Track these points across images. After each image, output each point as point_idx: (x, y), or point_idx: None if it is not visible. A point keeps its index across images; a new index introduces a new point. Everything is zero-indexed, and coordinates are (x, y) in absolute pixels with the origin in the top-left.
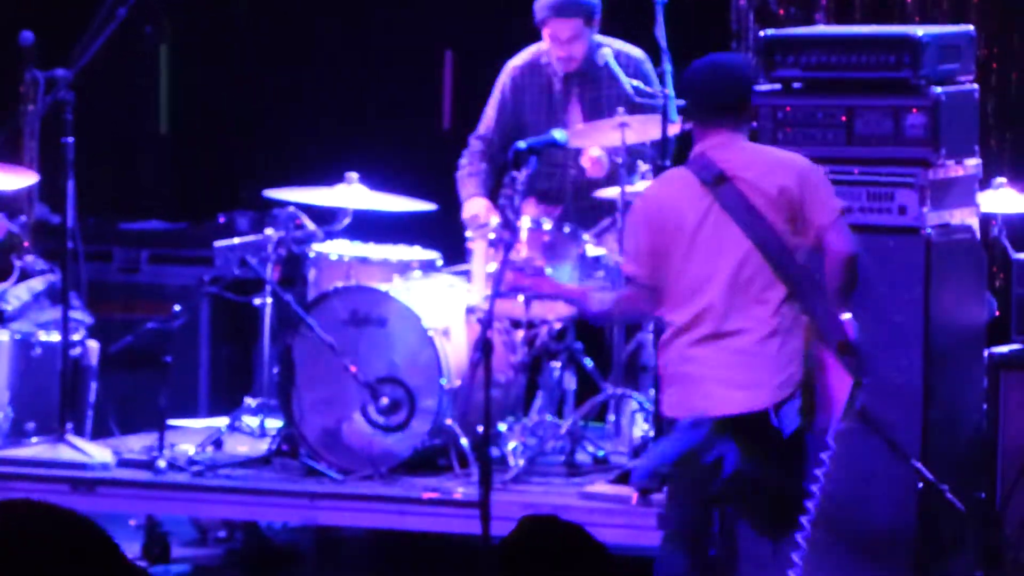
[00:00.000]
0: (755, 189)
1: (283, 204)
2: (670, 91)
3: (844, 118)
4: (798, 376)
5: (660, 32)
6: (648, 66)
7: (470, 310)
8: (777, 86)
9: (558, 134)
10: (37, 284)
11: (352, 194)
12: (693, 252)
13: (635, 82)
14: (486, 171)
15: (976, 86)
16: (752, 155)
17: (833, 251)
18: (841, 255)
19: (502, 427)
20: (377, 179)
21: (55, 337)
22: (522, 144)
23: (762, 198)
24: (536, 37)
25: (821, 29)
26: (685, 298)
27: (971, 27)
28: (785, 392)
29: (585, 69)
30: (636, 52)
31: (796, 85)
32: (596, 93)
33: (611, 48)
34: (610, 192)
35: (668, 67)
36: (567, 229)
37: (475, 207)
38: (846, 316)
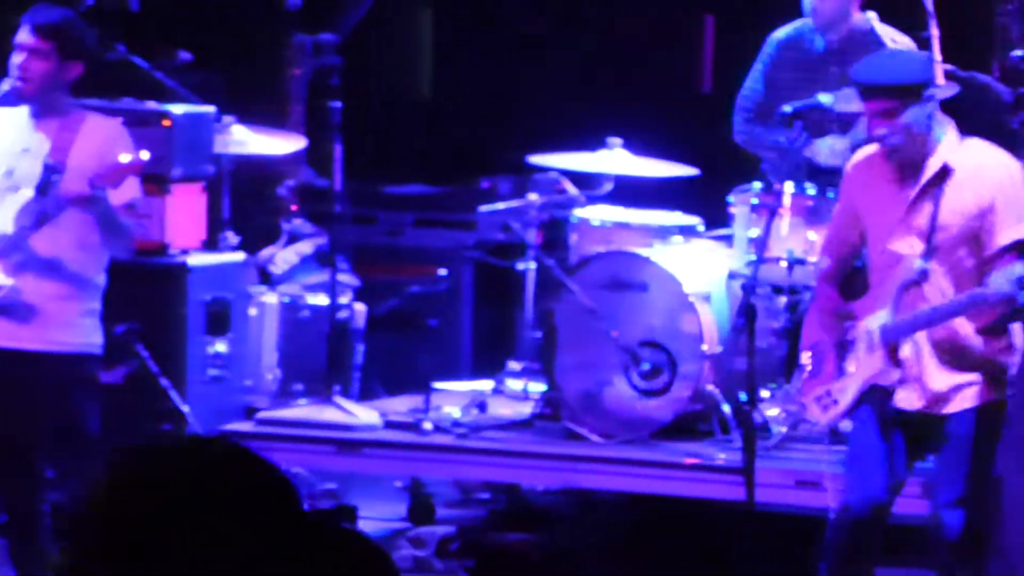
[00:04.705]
0: None
1: (545, 169)
2: (937, 56)
3: None
4: None
5: None
6: None
7: (732, 275)
8: None
9: (824, 98)
10: (305, 247)
11: (615, 159)
12: None
13: (899, 45)
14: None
15: None
16: None
17: None
18: None
19: (764, 394)
20: (638, 144)
21: (322, 300)
22: (788, 108)
23: None
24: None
25: None
26: None
27: None
28: None
29: (845, 47)
30: (903, 40)
31: None
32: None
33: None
34: None
35: (935, 31)
36: (831, 194)
37: None
38: None
